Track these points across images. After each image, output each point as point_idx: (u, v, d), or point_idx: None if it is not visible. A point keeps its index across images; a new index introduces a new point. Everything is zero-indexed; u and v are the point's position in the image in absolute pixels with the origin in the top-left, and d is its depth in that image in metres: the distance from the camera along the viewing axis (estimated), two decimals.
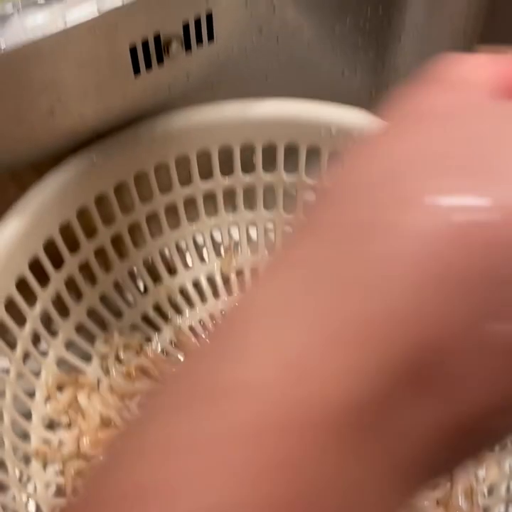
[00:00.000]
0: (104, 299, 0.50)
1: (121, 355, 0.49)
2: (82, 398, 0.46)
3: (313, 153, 0.48)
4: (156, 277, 0.52)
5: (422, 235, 0.17)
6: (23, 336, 0.43)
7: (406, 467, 0.18)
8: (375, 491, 0.18)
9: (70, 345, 0.48)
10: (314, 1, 0.49)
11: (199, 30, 0.43)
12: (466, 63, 0.22)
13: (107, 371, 0.48)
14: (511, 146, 0.18)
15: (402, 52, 0.56)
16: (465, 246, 0.16)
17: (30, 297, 0.44)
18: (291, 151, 0.48)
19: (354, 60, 0.55)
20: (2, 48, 0.38)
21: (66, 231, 0.45)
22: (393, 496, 0.18)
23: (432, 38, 0.56)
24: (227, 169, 0.50)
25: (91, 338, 0.49)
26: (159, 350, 0.50)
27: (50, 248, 0.44)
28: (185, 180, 0.49)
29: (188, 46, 0.44)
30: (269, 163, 0.50)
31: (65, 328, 0.47)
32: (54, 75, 0.41)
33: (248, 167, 0.50)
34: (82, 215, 0.46)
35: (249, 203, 0.52)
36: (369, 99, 0.58)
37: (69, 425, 0.46)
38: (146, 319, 0.51)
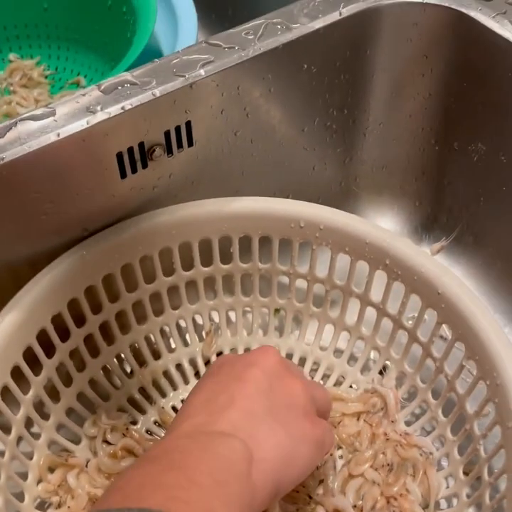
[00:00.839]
0: (92, 383, 0.53)
1: (109, 437, 0.51)
2: (71, 478, 0.49)
3: (285, 243, 0.52)
4: (141, 361, 0.55)
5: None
6: (17, 420, 0.46)
7: None
8: None
9: (60, 427, 0.50)
10: (284, 105, 0.53)
11: (180, 137, 0.48)
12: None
13: (94, 452, 0.51)
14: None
15: (366, 147, 0.61)
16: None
17: (24, 384, 0.47)
18: (265, 242, 0.52)
19: (323, 155, 0.59)
20: (2, 158, 0.42)
21: (57, 320, 0.48)
22: None
23: (393, 134, 0.61)
24: (207, 259, 0.53)
25: (80, 421, 0.52)
26: (144, 430, 0.53)
27: (43, 336, 0.48)
28: (169, 270, 0.53)
29: (169, 151, 0.48)
30: (246, 253, 0.54)
31: (56, 412, 0.50)
32: (48, 180, 0.45)
33: (226, 257, 0.54)
34: (73, 305, 0.49)
35: (228, 288, 0.56)
36: (339, 190, 0.63)
37: (59, 505, 0.48)
38: (132, 401, 0.54)
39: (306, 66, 0.51)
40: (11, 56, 0.75)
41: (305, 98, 0.54)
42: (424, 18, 0.54)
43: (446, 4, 0.53)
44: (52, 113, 0.44)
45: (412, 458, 0.50)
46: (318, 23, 0.50)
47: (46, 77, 0.75)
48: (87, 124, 0.43)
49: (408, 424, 0.52)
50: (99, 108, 0.43)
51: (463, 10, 0.53)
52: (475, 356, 0.45)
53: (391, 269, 0.50)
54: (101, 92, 0.45)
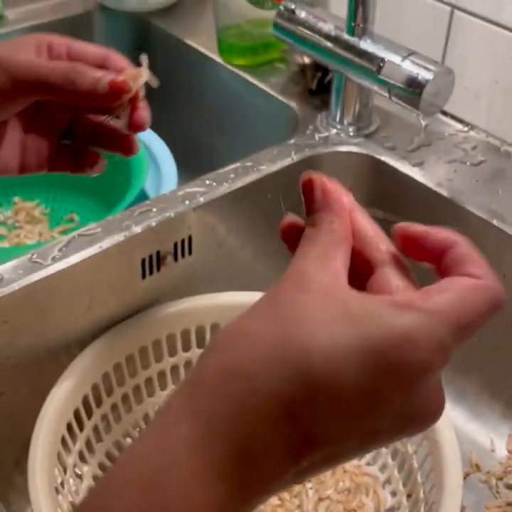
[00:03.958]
0: (117, 444, 0.67)
1: None
2: None
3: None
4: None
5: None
6: (69, 464, 0.60)
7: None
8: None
9: (96, 478, 0.64)
10: (255, 225, 0.72)
11: (183, 247, 0.66)
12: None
13: None
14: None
15: None
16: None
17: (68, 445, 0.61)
18: None
19: (281, 265, 0.77)
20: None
21: (95, 390, 0.63)
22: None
23: None
24: (200, 343, 0.70)
25: None
26: None
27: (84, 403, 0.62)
28: (172, 352, 0.69)
29: (176, 258, 0.66)
30: None
31: (91, 466, 0.64)
32: (89, 284, 0.62)
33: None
34: (104, 378, 0.64)
35: None
36: None
37: None
38: None
39: (270, 196, 0.71)
40: (16, 199, 0.92)
41: (269, 220, 0.73)
42: (350, 162, 0.75)
43: (365, 152, 0.75)
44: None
45: (364, 482, 0.66)
46: (277, 166, 0.71)
47: (45, 214, 0.92)
48: (124, 237, 0.61)
49: (360, 458, 0.69)
50: (133, 225, 0.61)
51: (376, 155, 0.75)
52: None
53: None
54: (129, 215, 0.63)
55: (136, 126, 0.44)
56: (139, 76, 0.41)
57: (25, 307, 0.58)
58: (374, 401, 0.27)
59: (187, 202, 0.65)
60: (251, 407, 0.27)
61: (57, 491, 0.58)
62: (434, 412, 0.29)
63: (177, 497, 0.27)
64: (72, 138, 0.48)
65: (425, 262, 0.33)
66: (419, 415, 0.29)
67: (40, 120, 0.47)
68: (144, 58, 0.42)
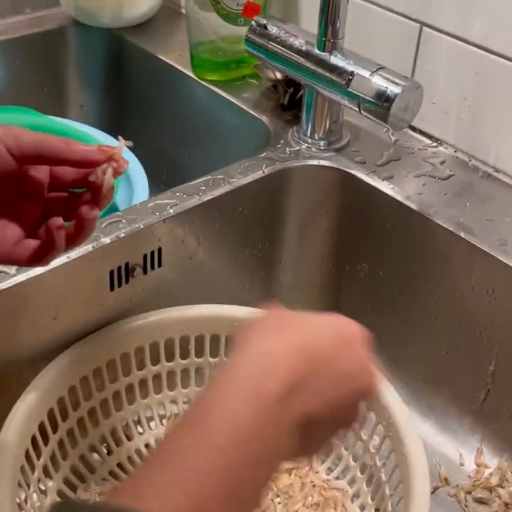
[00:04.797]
0: (82, 458, 0.66)
1: (98, 500, 0.64)
2: None
3: (230, 340, 0.69)
4: (118, 442, 0.69)
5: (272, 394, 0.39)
6: (33, 479, 0.59)
7: (293, 425, 0.39)
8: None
9: (60, 494, 0.63)
10: (225, 237, 0.72)
11: (153, 259, 0.65)
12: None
13: None
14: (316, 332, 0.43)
15: (283, 271, 0.81)
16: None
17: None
18: (214, 340, 0.69)
19: (251, 277, 0.78)
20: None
21: (60, 403, 0.62)
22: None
23: (301, 261, 0.80)
24: (169, 356, 0.69)
25: (74, 488, 0.64)
26: None
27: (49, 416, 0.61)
28: (140, 365, 0.68)
29: (145, 270, 0.65)
30: (198, 351, 0.70)
31: (56, 481, 0.63)
32: (55, 295, 0.61)
33: (184, 354, 0.70)
34: (70, 392, 0.63)
35: (184, 382, 0.71)
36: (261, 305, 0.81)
37: None
38: (112, 474, 0.67)
39: (240, 209, 0.71)
40: None
41: (239, 233, 0.73)
42: (320, 175, 0.76)
43: (335, 166, 0.75)
44: None
45: (333, 497, 0.66)
46: (248, 179, 0.71)
47: None
48: (92, 247, 0.60)
49: (329, 472, 0.68)
50: (101, 236, 0.61)
51: (347, 169, 0.75)
52: (374, 407, 0.62)
53: None
54: (98, 226, 0.62)
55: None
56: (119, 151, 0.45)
57: None
58: (340, 347, 0.42)
59: (157, 213, 0.65)
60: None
61: (20, 507, 0.57)
62: (372, 369, 0.44)
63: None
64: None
65: None
66: (366, 366, 0.43)
67: (9, 211, 0.46)
68: (121, 139, 0.46)
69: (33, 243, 0.45)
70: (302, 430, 0.39)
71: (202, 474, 0.35)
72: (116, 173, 0.45)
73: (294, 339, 0.41)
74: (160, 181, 0.94)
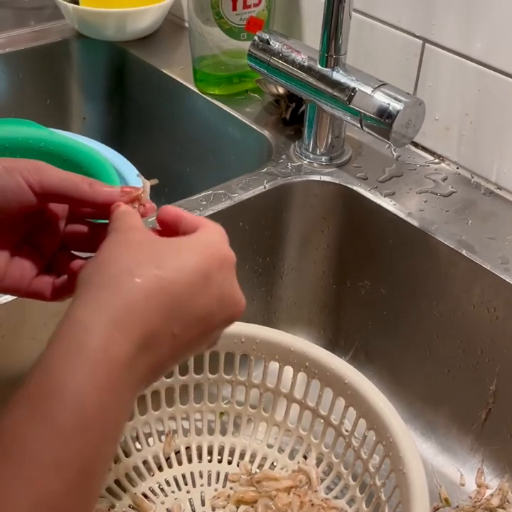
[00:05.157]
0: None
1: None
2: None
3: (229, 356, 0.69)
4: (116, 459, 0.68)
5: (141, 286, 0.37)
6: None
7: (141, 382, 0.36)
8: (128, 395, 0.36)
9: None
10: None
11: None
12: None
13: None
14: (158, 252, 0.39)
15: (283, 287, 0.80)
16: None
17: None
18: (213, 356, 0.69)
19: (252, 293, 0.77)
20: None
21: None
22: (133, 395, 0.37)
23: (302, 276, 0.80)
24: (168, 372, 0.69)
25: None
26: None
27: None
28: None
29: None
30: (197, 367, 0.69)
31: None
32: (55, 310, 0.60)
33: (183, 371, 0.69)
34: None
35: (183, 399, 0.71)
36: (262, 321, 0.81)
37: None
38: (110, 490, 0.67)
39: (241, 224, 0.71)
40: None
41: (240, 248, 0.72)
42: (321, 191, 0.75)
43: (337, 182, 0.75)
44: None
45: None
46: (249, 194, 0.71)
47: None
48: None
49: (328, 491, 0.67)
50: None
51: (348, 185, 0.75)
52: (374, 426, 0.62)
53: (310, 369, 0.67)
54: None
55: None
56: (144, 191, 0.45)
57: None
58: (208, 279, 0.39)
59: None
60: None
61: None
62: (240, 302, 0.42)
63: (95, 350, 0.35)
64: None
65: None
66: (232, 301, 0.41)
67: (27, 243, 0.46)
68: (143, 179, 0.46)
69: (55, 280, 0.45)
70: (150, 378, 0.38)
71: (48, 471, 0.32)
72: (143, 216, 0.44)
73: (150, 282, 0.37)
74: (161, 195, 0.94)
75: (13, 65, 0.97)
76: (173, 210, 0.43)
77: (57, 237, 0.46)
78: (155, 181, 0.46)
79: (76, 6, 0.95)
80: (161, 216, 0.43)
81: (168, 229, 0.43)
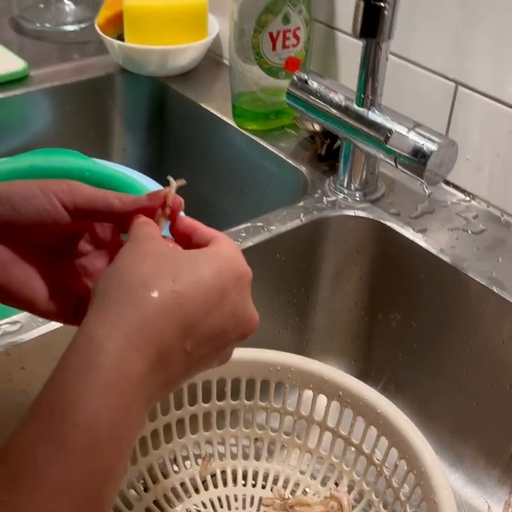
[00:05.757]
0: (121, 494, 0.68)
1: None
2: None
3: (264, 383, 0.71)
4: (154, 479, 0.71)
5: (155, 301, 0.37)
6: None
7: (153, 398, 0.37)
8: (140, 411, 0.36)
9: None
10: (264, 282, 0.75)
11: None
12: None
13: None
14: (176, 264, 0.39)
15: (316, 318, 0.83)
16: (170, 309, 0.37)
17: None
18: (249, 383, 0.71)
19: (286, 322, 0.80)
20: None
21: None
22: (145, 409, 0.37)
23: (334, 308, 0.83)
24: (205, 397, 0.71)
25: None
26: None
27: None
28: (178, 405, 0.71)
29: None
30: (234, 393, 0.72)
31: None
32: None
33: (221, 396, 0.72)
34: None
35: (220, 424, 0.74)
36: (295, 350, 0.83)
37: None
38: (149, 510, 0.69)
39: (278, 256, 0.74)
40: None
41: (276, 279, 0.76)
42: (356, 226, 0.78)
43: (371, 217, 0.78)
44: None
45: None
46: (287, 227, 0.74)
47: None
48: None
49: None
50: None
51: (381, 221, 0.78)
52: (405, 455, 0.64)
53: (343, 398, 0.69)
54: None
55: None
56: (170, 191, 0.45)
57: (42, 355, 0.60)
58: (222, 295, 0.39)
59: None
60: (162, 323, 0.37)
61: None
62: (253, 319, 0.42)
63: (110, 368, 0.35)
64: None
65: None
66: (245, 317, 0.41)
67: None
68: (171, 179, 0.45)
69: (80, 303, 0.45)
70: (162, 393, 0.38)
71: (58, 493, 0.32)
72: (171, 216, 0.44)
73: (166, 298, 0.37)
74: None
75: (59, 98, 1.01)
76: (187, 221, 0.44)
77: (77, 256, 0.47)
78: (182, 181, 0.45)
79: (121, 42, 1.00)
80: (175, 226, 0.44)
81: (181, 239, 0.43)
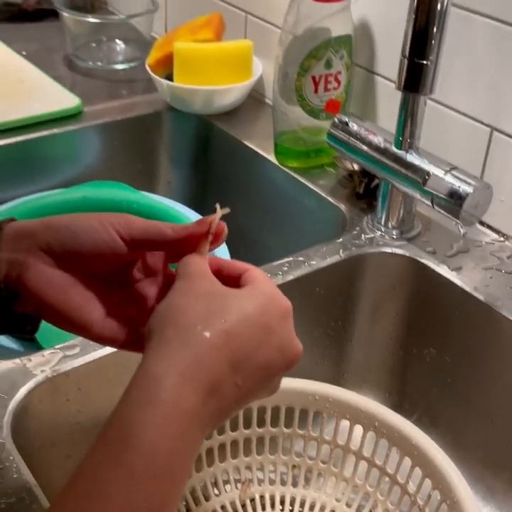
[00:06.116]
0: None
1: None
2: None
3: (303, 412, 0.74)
4: (196, 501, 0.74)
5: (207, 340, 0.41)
6: None
7: (207, 428, 0.41)
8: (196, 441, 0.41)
9: None
10: (304, 315, 0.78)
11: None
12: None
13: None
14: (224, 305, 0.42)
15: (353, 350, 0.86)
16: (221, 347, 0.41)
17: None
18: (289, 412, 0.74)
19: (323, 354, 0.83)
20: None
21: None
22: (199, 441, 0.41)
23: (371, 342, 0.86)
24: (246, 423, 0.75)
25: None
26: None
27: None
28: (219, 430, 0.74)
29: None
30: (274, 421, 0.75)
31: None
32: None
33: (261, 423, 0.75)
34: None
35: (259, 450, 0.77)
36: (332, 381, 0.86)
37: None
38: None
39: (318, 289, 0.78)
40: None
41: (315, 312, 0.79)
42: (393, 262, 0.82)
43: (407, 254, 0.81)
44: None
45: None
46: (326, 262, 0.78)
47: None
48: None
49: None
50: None
51: (418, 258, 0.81)
52: (438, 486, 0.67)
53: (379, 429, 0.72)
54: None
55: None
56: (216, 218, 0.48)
57: (97, 378, 0.64)
58: (268, 331, 0.43)
59: None
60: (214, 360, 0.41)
61: None
62: (298, 350, 0.46)
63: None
64: None
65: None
66: (290, 349, 0.45)
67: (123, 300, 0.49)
68: (218, 206, 0.49)
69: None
70: (215, 423, 0.42)
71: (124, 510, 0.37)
72: (214, 241, 0.47)
73: (217, 338, 0.41)
74: (238, 258, 1.01)
75: (109, 134, 1.06)
76: (214, 262, 0.47)
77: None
78: (227, 210, 0.48)
79: (170, 82, 1.05)
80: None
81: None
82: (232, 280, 0.46)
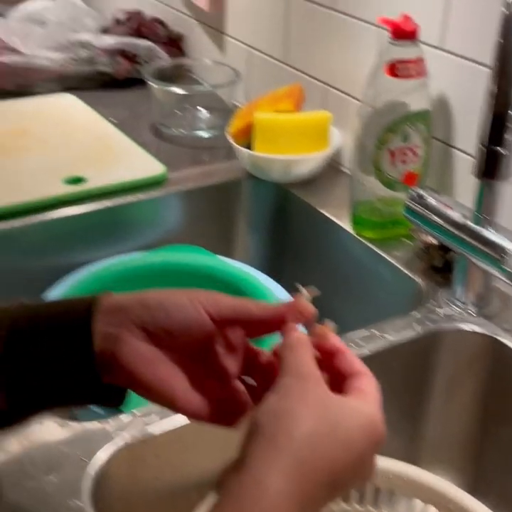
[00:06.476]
0: None
1: None
2: None
3: (375, 490, 0.73)
4: None
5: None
6: None
7: None
8: None
9: None
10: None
11: None
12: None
13: None
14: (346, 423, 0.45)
15: (427, 427, 0.85)
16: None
17: None
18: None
19: (396, 429, 0.82)
20: None
21: None
22: None
23: (446, 420, 0.84)
24: None
25: None
26: None
27: None
28: None
29: None
30: (345, 498, 0.75)
31: None
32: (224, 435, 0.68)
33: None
34: None
35: None
36: (403, 457, 0.85)
37: None
38: None
39: (394, 365, 0.78)
40: None
41: (391, 387, 0.78)
42: (470, 340, 0.81)
43: (485, 332, 0.80)
44: None
45: None
46: (402, 336, 0.79)
47: None
48: None
49: None
50: None
51: (496, 336, 0.80)
52: None
53: None
54: None
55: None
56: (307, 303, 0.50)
57: (175, 446, 0.65)
58: (362, 459, 0.45)
59: None
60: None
61: None
62: (373, 467, 0.47)
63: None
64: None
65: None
66: (370, 470, 0.47)
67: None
68: (302, 288, 0.50)
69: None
70: None
71: None
72: (308, 322, 0.49)
73: (323, 464, 0.43)
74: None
75: (191, 199, 1.10)
76: (336, 340, 0.50)
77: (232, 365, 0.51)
78: (316, 292, 0.50)
79: (250, 151, 1.08)
80: (321, 342, 0.49)
81: (323, 354, 0.49)
82: (340, 375, 0.48)
